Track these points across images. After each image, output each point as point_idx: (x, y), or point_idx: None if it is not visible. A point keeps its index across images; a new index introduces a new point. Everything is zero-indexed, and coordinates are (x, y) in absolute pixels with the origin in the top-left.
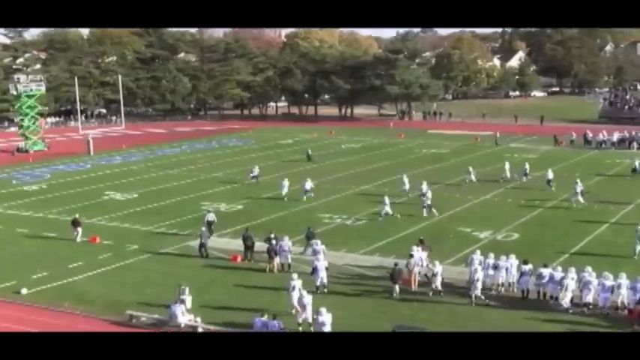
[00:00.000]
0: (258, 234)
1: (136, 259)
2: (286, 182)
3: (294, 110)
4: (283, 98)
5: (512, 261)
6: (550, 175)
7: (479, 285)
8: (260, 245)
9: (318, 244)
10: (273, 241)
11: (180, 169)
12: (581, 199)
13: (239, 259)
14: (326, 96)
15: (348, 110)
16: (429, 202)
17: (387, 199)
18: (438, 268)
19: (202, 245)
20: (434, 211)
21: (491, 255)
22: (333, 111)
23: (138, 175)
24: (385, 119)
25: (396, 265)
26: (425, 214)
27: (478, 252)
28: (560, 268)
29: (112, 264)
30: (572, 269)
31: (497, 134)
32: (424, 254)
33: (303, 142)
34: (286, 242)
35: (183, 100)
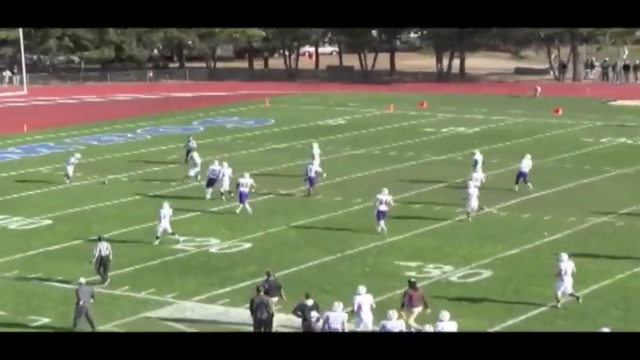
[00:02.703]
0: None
1: None
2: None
3: (351, 61)
4: (328, 39)
5: None
6: None
7: None
8: (284, 320)
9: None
10: (314, 314)
11: (134, 173)
12: None
13: None
14: (412, 35)
15: (455, 62)
16: None
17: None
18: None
19: (79, 312)
20: None
21: None
22: (424, 63)
23: (51, 183)
24: (526, 80)
25: None
26: None
27: None
28: None
29: None
30: None
31: None
32: (411, 316)
33: (365, 121)
34: (339, 314)
35: (139, 41)
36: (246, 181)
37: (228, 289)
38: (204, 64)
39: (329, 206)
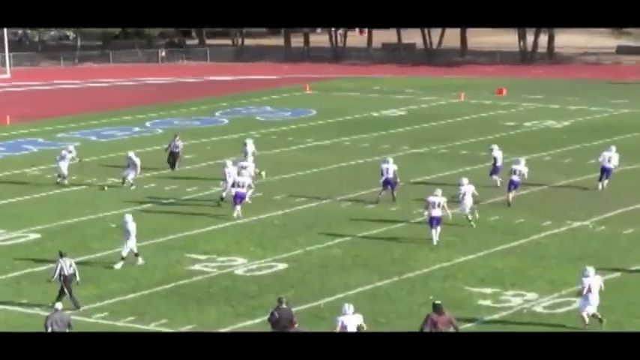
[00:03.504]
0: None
1: None
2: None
3: (412, 37)
4: None
5: None
6: None
7: None
8: None
9: None
10: None
11: (142, 176)
12: None
13: None
14: None
15: (542, 39)
16: None
17: None
18: None
19: None
20: None
21: None
22: (503, 40)
23: (41, 188)
24: (631, 61)
25: None
26: None
27: None
28: None
29: None
30: None
31: None
32: None
33: (430, 113)
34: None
35: None
36: (244, 180)
37: (257, 320)
38: (229, 42)
39: (383, 218)
